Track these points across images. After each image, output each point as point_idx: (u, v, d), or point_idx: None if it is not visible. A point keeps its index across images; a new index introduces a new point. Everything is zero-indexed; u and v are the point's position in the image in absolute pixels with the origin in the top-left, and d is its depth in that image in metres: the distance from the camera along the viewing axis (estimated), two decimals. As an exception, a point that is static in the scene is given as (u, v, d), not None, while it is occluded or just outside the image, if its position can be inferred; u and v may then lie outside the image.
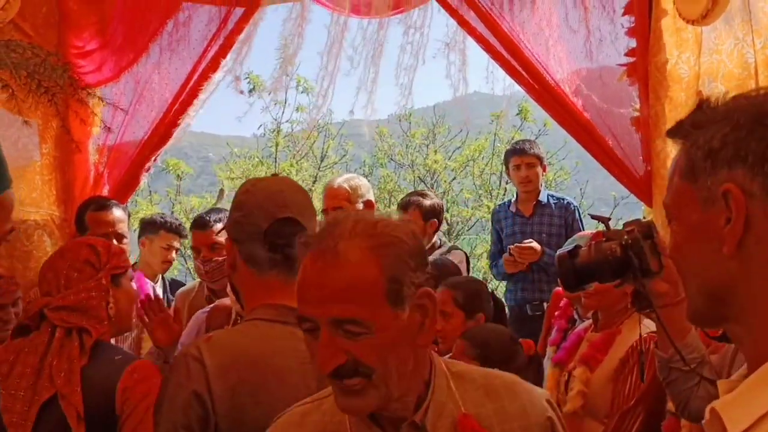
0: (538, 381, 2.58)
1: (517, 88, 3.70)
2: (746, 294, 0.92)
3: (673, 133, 1.04)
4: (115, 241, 3.00)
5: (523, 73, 3.45)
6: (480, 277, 7.78)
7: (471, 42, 3.64)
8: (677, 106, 3.06)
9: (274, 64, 4.09)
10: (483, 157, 8.71)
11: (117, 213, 3.13)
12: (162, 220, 3.81)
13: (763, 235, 0.90)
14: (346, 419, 1.24)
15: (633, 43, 3.27)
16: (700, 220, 0.96)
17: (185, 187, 9.16)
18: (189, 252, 6.19)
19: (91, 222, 3.08)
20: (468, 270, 4.09)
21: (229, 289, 2.40)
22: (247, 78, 4.33)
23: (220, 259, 2.86)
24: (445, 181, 9.00)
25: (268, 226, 1.63)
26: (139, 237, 3.90)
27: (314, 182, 8.61)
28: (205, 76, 3.66)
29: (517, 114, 8.04)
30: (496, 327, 2.74)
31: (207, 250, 3.04)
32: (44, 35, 3.52)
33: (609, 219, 1.98)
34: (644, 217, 4.06)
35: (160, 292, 3.85)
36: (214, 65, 3.66)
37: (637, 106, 3.28)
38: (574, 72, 3.50)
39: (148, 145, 3.74)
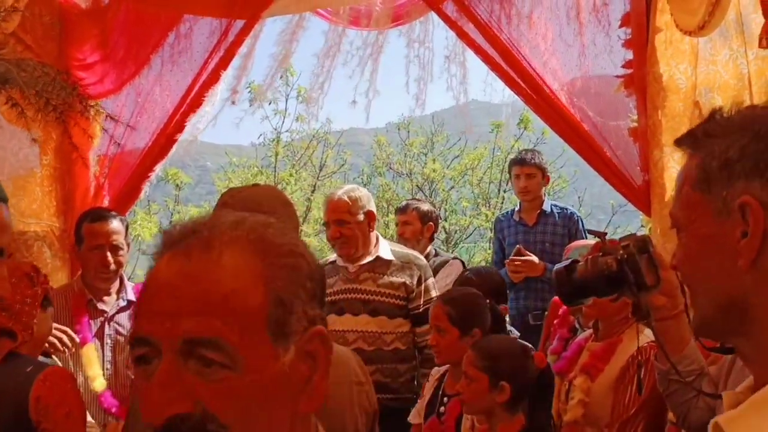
0: (551, 394, 2.58)
1: (516, 97, 3.73)
2: (759, 308, 0.91)
3: (682, 142, 1.01)
4: (110, 254, 3.01)
5: (522, 83, 3.48)
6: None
7: (470, 52, 3.68)
8: (675, 116, 3.08)
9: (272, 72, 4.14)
10: (481, 166, 8.74)
11: (113, 224, 3.05)
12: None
13: None
14: None
15: (630, 55, 3.30)
16: (713, 232, 0.94)
17: (183, 197, 9.17)
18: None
19: (87, 233, 3.04)
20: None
21: None
22: (248, 87, 4.35)
23: None
24: (443, 190, 9.02)
25: None
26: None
27: (313, 191, 8.63)
28: (206, 88, 3.68)
29: (518, 123, 8.08)
30: (508, 338, 2.73)
31: None
32: (45, 47, 3.53)
33: (605, 234, 2.00)
34: (642, 226, 4.09)
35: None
36: (214, 77, 3.67)
37: (635, 117, 3.30)
38: (571, 83, 3.53)
39: (149, 156, 3.75)
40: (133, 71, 3.66)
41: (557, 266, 1.95)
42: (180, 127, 3.75)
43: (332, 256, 3.49)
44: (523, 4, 3.49)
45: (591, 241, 3.34)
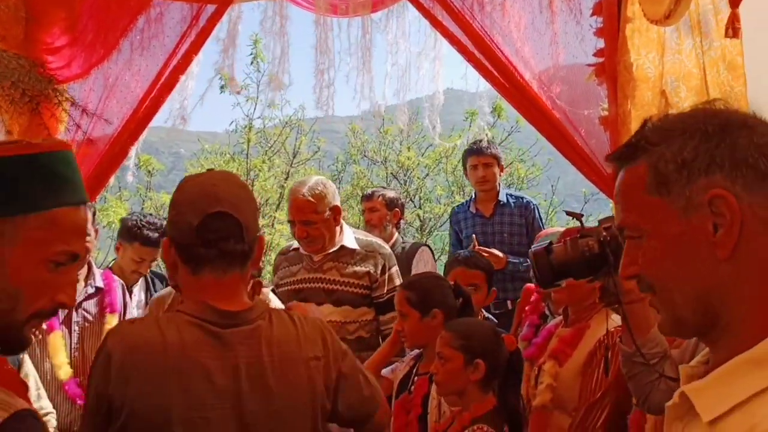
0: (520, 377, 2.61)
1: (490, 86, 3.74)
2: (734, 296, 0.94)
3: (622, 156, 1.05)
4: None
5: (495, 72, 3.49)
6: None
7: (443, 42, 3.68)
8: (644, 105, 3.11)
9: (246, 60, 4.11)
10: (456, 155, 8.75)
11: None
12: (138, 230, 3.65)
13: (751, 235, 0.93)
14: None
15: (601, 44, 3.32)
16: (681, 230, 0.97)
17: (156, 183, 9.08)
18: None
19: None
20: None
21: None
22: (218, 75, 4.31)
23: None
24: (418, 178, 9.03)
25: (199, 222, 1.61)
26: (118, 237, 3.82)
27: (287, 178, 8.58)
28: (177, 73, 3.64)
29: (491, 112, 8.10)
30: (480, 320, 2.78)
31: None
32: (11, 30, 3.44)
33: (582, 215, 2.01)
34: (613, 213, 4.13)
35: (137, 290, 3.80)
36: (186, 62, 3.64)
37: (606, 105, 3.33)
38: (542, 71, 3.54)
39: (118, 142, 3.70)
40: (102, 55, 3.60)
41: (534, 248, 1.95)
42: (151, 113, 3.71)
43: (295, 243, 3.45)
44: (496, -9, 3.50)
45: (561, 228, 3.37)
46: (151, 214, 3.99)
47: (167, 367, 1.54)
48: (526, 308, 3.24)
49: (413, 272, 3.70)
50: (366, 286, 3.32)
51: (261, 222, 6.68)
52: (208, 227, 1.60)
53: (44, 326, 2.80)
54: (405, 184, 8.94)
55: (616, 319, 2.49)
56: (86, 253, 2.88)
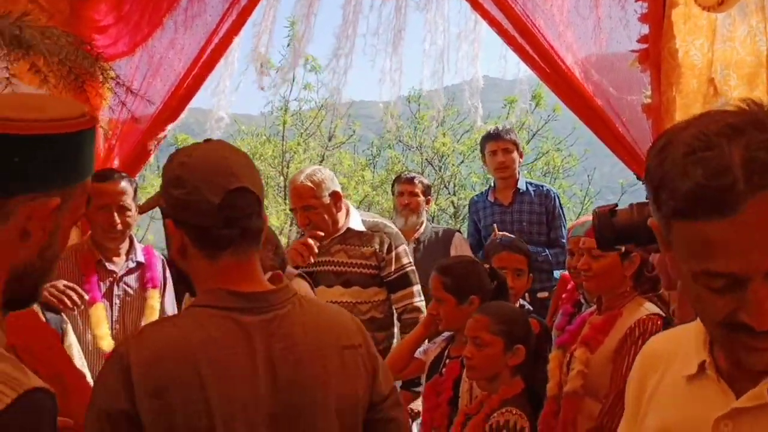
0: (545, 360, 2.61)
1: (530, 73, 3.69)
2: None
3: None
4: (116, 214, 3.00)
5: (536, 57, 3.45)
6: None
7: (482, 26, 3.65)
8: (689, 93, 3.05)
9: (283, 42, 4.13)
10: (492, 141, 8.69)
11: (121, 185, 3.03)
12: None
13: None
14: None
15: (645, 29, 3.26)
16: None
17: (192, 164, 9.15)
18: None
19: (94, 193, 2.98)
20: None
21: None
22: (256, 57, 4.32)
23: None
24: (452, 164, 8.99)
25: (221, 200, 1.45)
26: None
27: (321, 161, 8.61)
28: (218, 53, 3.68)
29: (531, 100, 8.02)
30: (513, 305, 2.77)
31: None
32: (57, 6, 3.50)
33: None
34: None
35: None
36: (227, 41, 3.67)
37: (649, 93, 3.28)
38: (584, 57, 3.49)
39: (159, 120, 3.75)
40: (146, 33, 3.65)
41: (599, 208, 1.91)
42: (192, 92, 3.76)
43: None
44: (538, -26, 3.45)
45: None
46: None
47: (200, 370, 1.39)
48: (563, 296, 3.23)
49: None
50: (374, 266, 3.38)
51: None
52: (232, 205, 1.45)
53: (86, 297, 2.86)
54: (440, 171, 8.91)
55: (648, 307, 2.48)
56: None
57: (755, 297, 0.94)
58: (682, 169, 0.95)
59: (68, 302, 2.71)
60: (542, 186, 4.39)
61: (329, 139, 8.75)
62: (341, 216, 3.40)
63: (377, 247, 3.38)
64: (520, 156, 4.37)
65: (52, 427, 1.03)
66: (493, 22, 3.52)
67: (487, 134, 4.41)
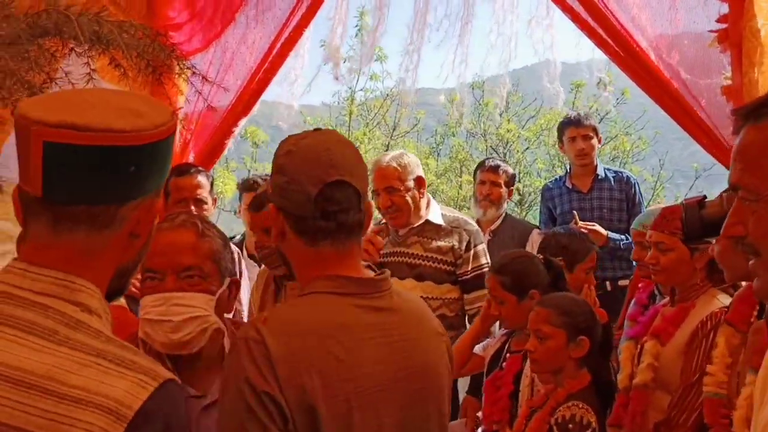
0: (611, 350, 2.56)
1: (597, 57, 3.62)
2: None
3: (749, 115, 0.99)
4: (194, 207, 3.05)
5: (609, 40, 3.38)
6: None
7: (555, 11, 3.60)
8: (773, 73, 2.95)
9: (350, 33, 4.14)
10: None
11: (198, 178, 3.11)
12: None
13: None
14: None
15: (725, 8, 3.15)
16: None
17: (258, 155, 9.35)
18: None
19: (173, 188, 3.08)
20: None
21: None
22: (322, 46, 4.36)
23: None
24: (518, 151, 8.89)
25: (318, 192, 1.45)
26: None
27: (386, 150, 8.66)
28: (288, 46, 3.73)
29: (597, 84, 7.86)
30: (575, 295, 2.70)
31: (261, 233, 2.72)
32: (133, 3, 3.61)
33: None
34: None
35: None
36: (297, 34, 3.71)
37: (728, 74, 3.17)
38: (660, 38, 3.40)
39: (232, 114, 3.84)
40: (219, 29, 3.73)
41: (687, 199, 1.87)
42: (263, 85, 3.82)
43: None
44: (611, -46, 3.37)
45: (661, 205, 3.24)
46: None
47: (337, 355, 1.39)
48: (639, 285, 3.16)
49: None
50: (450, 262, 3.27)
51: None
52: (328, 198, 1.46)
53: None
54: (504, 157, 8.83)
55: (721, 300, 2.41)
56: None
57: None
58: None
59: None
60: (621, 172, 4.28)
61: (393, 129, 8.78)
62: (422, 203, 3.32)
63: (456, 243, 3.28)
64: (599, 142, 4.27)
65: (186, 417, 1.09)
66: (564, 7, 3.47)
67: (567, 120, 4.30)
